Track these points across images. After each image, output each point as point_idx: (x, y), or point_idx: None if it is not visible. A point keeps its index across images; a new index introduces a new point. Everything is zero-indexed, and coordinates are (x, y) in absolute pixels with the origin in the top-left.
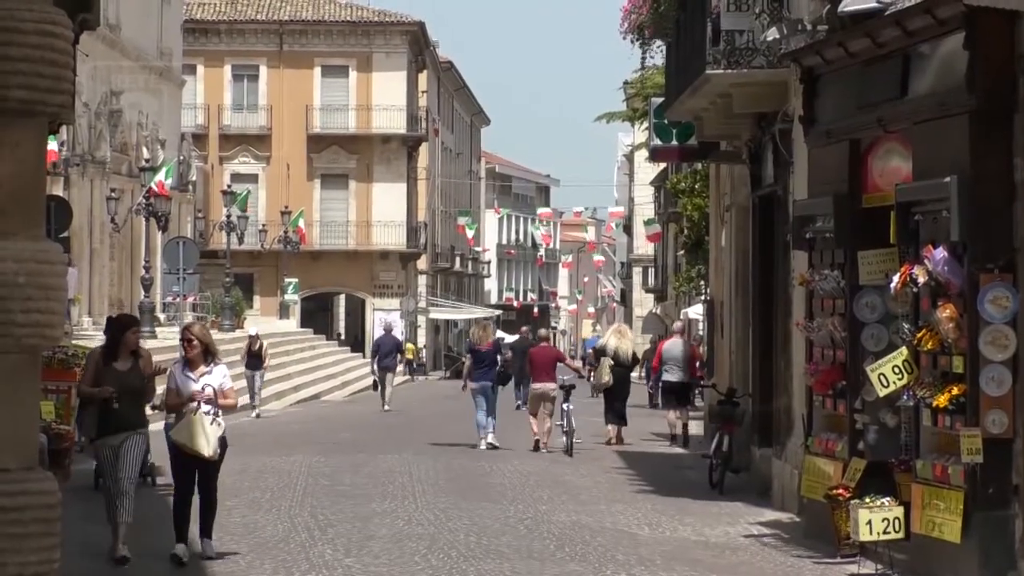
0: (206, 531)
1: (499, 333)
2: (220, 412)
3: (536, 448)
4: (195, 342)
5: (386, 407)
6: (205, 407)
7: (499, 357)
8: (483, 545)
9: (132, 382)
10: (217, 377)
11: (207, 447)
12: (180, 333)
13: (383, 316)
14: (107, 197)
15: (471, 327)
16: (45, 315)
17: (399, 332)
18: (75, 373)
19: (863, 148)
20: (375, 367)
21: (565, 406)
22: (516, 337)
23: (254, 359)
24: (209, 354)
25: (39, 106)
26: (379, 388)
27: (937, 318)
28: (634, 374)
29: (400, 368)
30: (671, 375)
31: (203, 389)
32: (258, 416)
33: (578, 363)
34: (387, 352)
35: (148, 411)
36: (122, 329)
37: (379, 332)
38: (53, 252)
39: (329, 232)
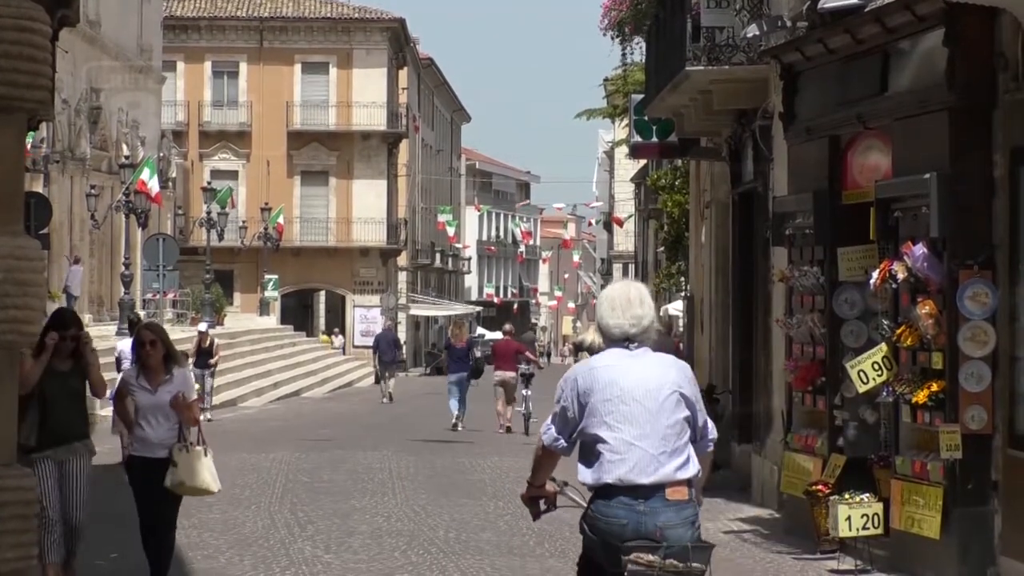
0: None
1: (480, 330)
2: (202, 438)
3: (500, 427)
4: (157, 343)
5: (385, 399)
6: (185, 443)
7: (471, 353)
8: (463, 541)
9: (72, 383)
10: (178, 386)
11: (213, 482)
12: (135, 335)
13: (363, 312)
14: (87, 194)
15: (450, 325)
16: (23, 311)
17: (379, 327)
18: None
19: (843, 145)
20: (376, 363)
21: (525, 392)
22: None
23: (203, 357)
24: (170, 359)
25: (17, 102)
26: (380, 382)
27: (916, 314)
28: None
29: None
30: None
31: (179, 396)
32: (209, 420)
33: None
34: (387, 349)
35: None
36: (48, 327)
37: (360, 327)
38: (31, 248)
39: (309, 229)
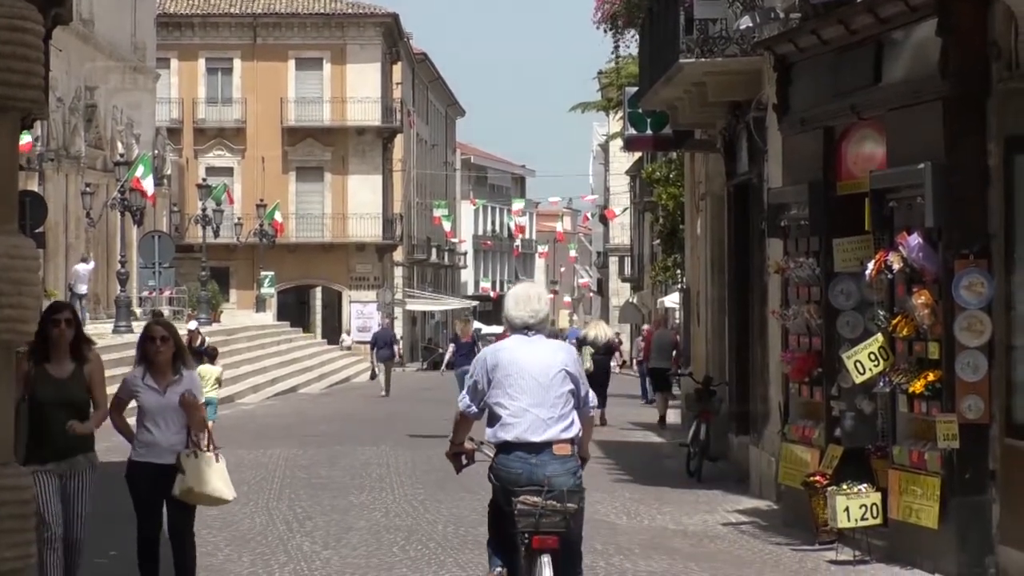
0: None
1: (477, 324)
2: (211, 443)
3: None
4: (169, 340)
5: (383, 393)
6: (193, 448)
7: (475, 347)
8: (461, 535)
9: (71, 392)
10: (186, 387)
11: (228, 490)
12: (144, 330)
13: (360, 308)
14: (82, 192)
15: (455, 320)
16: (18, 310)
17: (376, 324)
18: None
19: (837, 135)
20: (374, 358)
21: None
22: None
23: (195, 357)
24: (179, 358)
25: (10, 101)
26: (377, 377)
27: (912, 304)
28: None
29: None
30: (657, 362)
31: (188, 396)
32: None
33: None
34: (384, 344)
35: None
36: (45, 319)
37: (356, 323)
38: (26, 247)
39: (305, 225)
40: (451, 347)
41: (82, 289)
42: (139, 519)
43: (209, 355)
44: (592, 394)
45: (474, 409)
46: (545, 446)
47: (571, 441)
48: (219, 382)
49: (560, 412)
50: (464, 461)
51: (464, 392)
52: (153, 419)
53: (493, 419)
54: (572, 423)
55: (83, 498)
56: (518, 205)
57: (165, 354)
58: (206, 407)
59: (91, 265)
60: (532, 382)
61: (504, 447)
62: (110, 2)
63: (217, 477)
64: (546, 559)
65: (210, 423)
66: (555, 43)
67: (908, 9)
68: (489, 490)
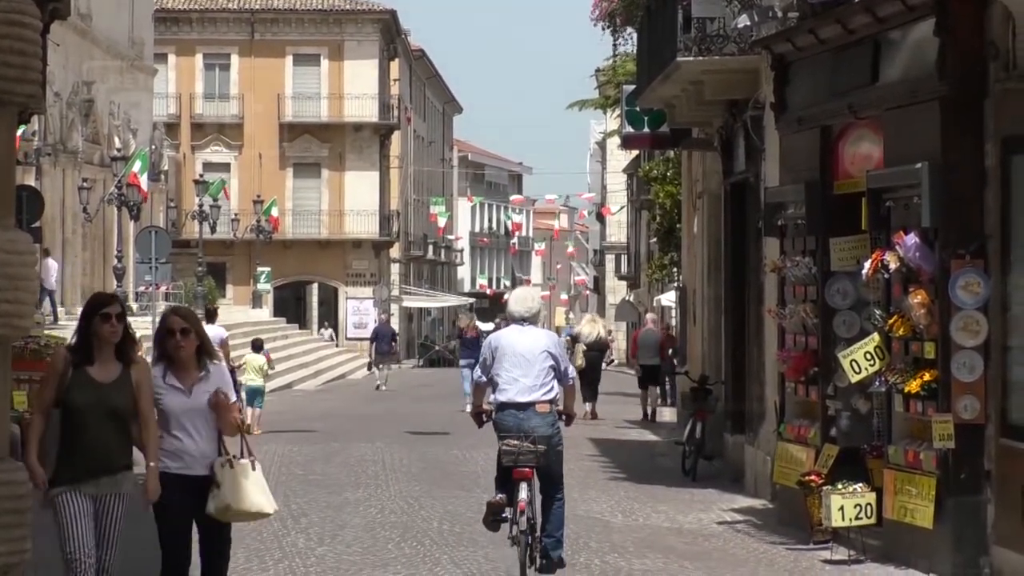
0: None
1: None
2: (246, 448)
3: None
4: (191, 333)
5: (383, 387)
6: (228, 456)
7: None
8: (456, 533)
9: (115, 400)
10: (216, 383)
11: (267, 502)
12: (161, 322)
13: (356, 304)
14: (79, 187)
15: (460, 316)
16: (14, 305)
17: (373, 320)
18: (46, 363)
19: (834, 135)
20: (373, 353)
21: None
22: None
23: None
24: (203, 352)
25: (7, 96)
26: (376, 371)
27: (908, 304)
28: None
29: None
30: (645, 360)
31: (219, 395)
32: None
33: None
34: (383, 340)
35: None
36: (90, 314)
37: (352, 319)
38: (22, 242)
39: (302, 221)
40: (456, 342)
41: (52, 284)
42: (166, 544)
43: (255, 345)
44: (572, 368)
45: (484, 379)
46: (529, 405)
47: (550, 402)
48: (264, 372)
49: (542, 381)
50: (484, 419)
51: (477, 367)
52: (180, 424)
53: (494, 386)
54: (551, 389)
55: (116, 522)
56: (518, 197)
57: (188, 349)
58: (256, 396)
59: (52, 262)
60: (521, 359)
61: (500, 406)
62: None
63: (256, 489)
64: (524, 484)
65: (257, 411)
66: (553, 40)
67: (906, 9)
68: (487, 488)
